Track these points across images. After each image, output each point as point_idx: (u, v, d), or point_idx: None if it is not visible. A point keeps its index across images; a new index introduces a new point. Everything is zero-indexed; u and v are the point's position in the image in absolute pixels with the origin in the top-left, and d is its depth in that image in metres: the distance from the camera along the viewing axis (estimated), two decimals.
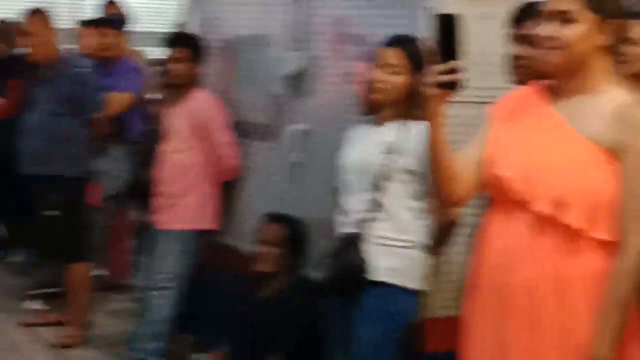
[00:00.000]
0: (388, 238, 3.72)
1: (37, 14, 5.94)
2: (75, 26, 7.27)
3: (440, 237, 3.74)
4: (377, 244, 3.71)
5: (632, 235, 2.51)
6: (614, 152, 2.54)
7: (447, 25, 2.55)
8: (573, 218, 2.53)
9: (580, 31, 2.56)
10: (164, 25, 8.64)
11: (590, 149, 2.56)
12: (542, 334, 2.56)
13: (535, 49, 2.69)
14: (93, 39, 6.68)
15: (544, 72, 2.68)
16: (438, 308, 3.85)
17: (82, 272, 5.94)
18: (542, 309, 2.57)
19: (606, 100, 2.60)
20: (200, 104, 5.21)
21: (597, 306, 2.52)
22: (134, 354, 5.21)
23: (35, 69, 5.95)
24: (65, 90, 5.77)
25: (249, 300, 4.57)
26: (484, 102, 2.96)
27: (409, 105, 3.70)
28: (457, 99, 2.56)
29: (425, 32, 3.67)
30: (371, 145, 3.77)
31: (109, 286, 6.89)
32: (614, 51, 2.67)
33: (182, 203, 5.18)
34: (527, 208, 2.58)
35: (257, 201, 5.02)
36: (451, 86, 2.49)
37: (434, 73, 2.50)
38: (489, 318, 2.67)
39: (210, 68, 5.39)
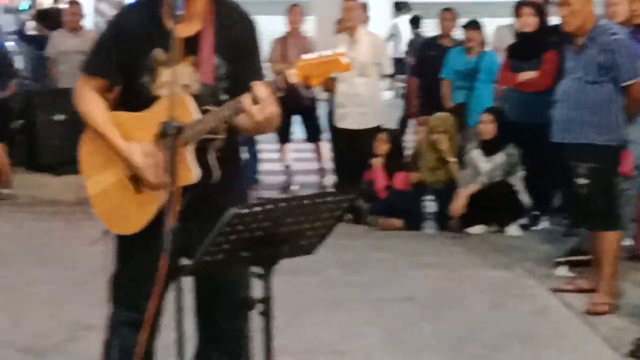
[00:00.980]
0: None
1: None
2: None
3: None
4: None
5: None
6: None
7: None
8: None
9: None
10: None
11: None
12: None
13: None
14: (623, 7, 6.63)
15: None
16: None
17: (613, 240, 5.93)
18: None
19: None
20: None
21: None
22: None
23: (569, 38, 6.05)
24: (598, 58, 5.80)
25: None
26: None
27: None
28: None
29: None
30: None
31: (636, 256, 6.85)
32: None
33: None
34: None
35: None
36: None
37: None
38: None
39: None
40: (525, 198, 8.15)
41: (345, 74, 8.74)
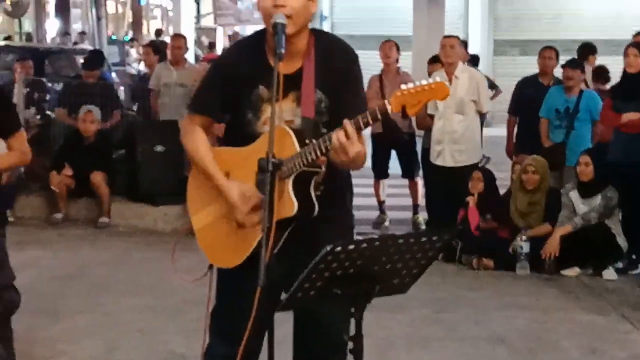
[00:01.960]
0: None
1: None
2: None
3: None
4: None
5: None
6: None
7: None
8: None
9: None
10: None
11: None
12: None
13: None
14: None
15: None
16: None
17: None
18: None
19: None
20: None
21: None
22: None
23: None
24: None
25: None
26: None
27: None
28: None
29: None
30: None
31: None
32: None
33: None
34: None
35: None
36: None
37: None
38: None
39: None
40: (622, 241, 8.00)
41: (442, 111, 8.82)
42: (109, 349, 5.81)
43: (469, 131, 8.92)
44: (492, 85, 9.94)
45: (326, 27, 23.97)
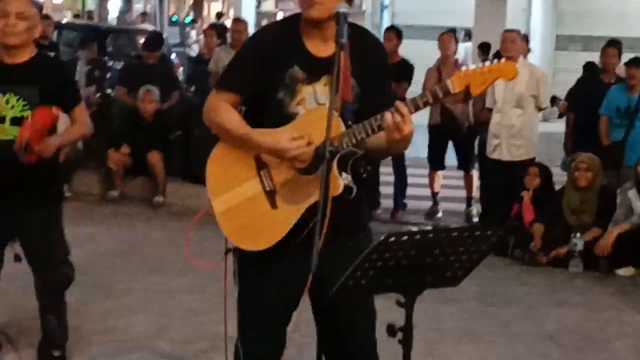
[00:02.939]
0: None
1: None
2: None
3: None
4: None
5: None
6: None
7: None
8: None
9: None
10: None
11: None
12: None
13: None
14: None
15: None
16: None
17: None
18: None
19: None
20: None
21: None
22: None
23: None
24: None
25: None
26: None
27: None
28: None
29: None
30: None
31: None
32: None
33: None
34: None
35: None
36: None
37: None
38: None
39: None
40: None
41: (501, 105, 8.76)
42: (159, 327, 5.86)
43: (527, 126, 8.86)
44: (553, 101, 9.74)
45: (386, 16, 23.87)
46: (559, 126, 10.98)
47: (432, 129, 9.73)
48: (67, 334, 5.11)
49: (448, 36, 9.91)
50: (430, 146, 9.90)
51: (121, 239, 8.26)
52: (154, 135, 10.03)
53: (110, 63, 15.37)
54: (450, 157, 10.18)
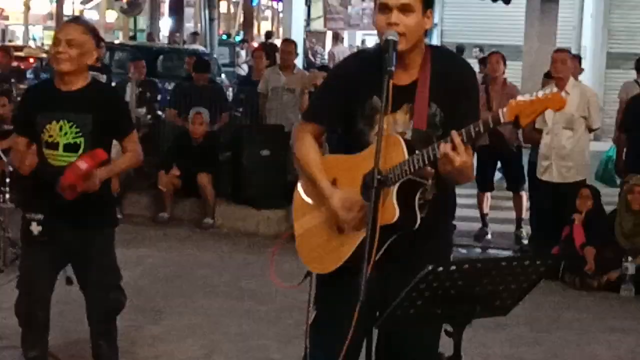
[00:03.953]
0: None
1: None
2: None
3: None
4: None
5: None
6: None
7: None
8: None
9: None
10: None
11: None
12: None
13: None
14: None
15: None
16: None
17: None
18: None
19: None
20: None
21: None
22: None
23: None
24: None
25: None
26: None
27: None
28: None
29: None
30: None
31: None
32: None
33: None
34: None
35: None
36: None
37: None
38: None
39: None
40: None
41: (551, 126, 8.70)
42: (208, 352, 5.89)
43: (578, 147, 8.77)
44: None
45: (435, 35, 23.83)
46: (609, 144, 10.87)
47: (481, 149, 9.69)
48: (118, 358, 5.16)
49: (496, 58, 9.87)
50: (478, 167, 9.85)
51: (171, 262, 8.32)
52: (204, 157, 10.08)
53: (161, 84, 15.48)
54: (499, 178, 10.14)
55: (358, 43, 29.54)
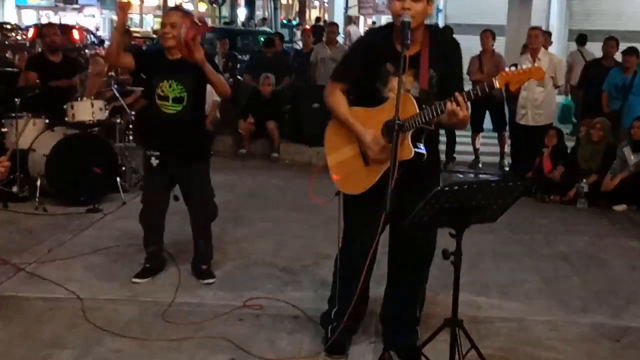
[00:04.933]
0: None
1: None
2: None
3: None
4: None
5: None
6: None
7: None
8: None
9: None
10: None
11: None
12: None
13: None
14: None
15: None
16: None
17: None
18: None
19: None
20: None
21: None
22: None
23: None
24: None
25: None
26: None
27: None
28: None
29: None
30: None
31: None
32: None
33: None
34: None
35: None
36: None
37: None
38: None
39: None
40: None
41: (527, 84, 8.48)
42: (277, 248, 5.92)
43: (547, 99, 8.63)
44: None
45: (441, 17, 23.39)
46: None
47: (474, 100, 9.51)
48: (212, 253, 5.21)
49: (487, 34, 9.65)
50: (472, 114, 9.66)
51: (249, 184, 8.34)
52: (271, 109, 10.04)
53: (240, 56, 15.40)
54: (487, 122, 9.99)
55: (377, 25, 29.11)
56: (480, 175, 9.57)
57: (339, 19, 19.58)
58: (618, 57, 9.34)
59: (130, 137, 7.93)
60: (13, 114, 7.07)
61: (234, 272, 5.27)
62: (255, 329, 4.28)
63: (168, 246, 5.38)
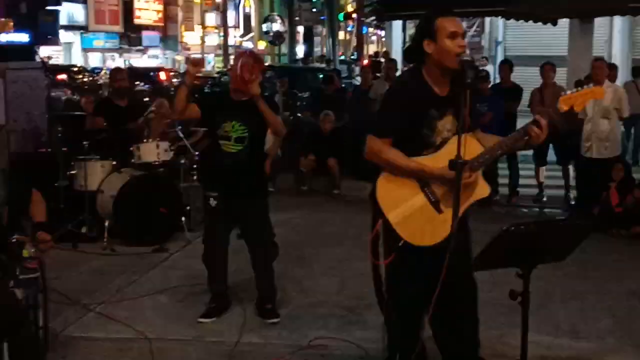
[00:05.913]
0: None
1: None
2: None
3: None
4: None
5: None
6: None
7: None
8: None
9: None
10: None
11: None
12: None
13: None
14: None
15: None
16: None
17: None
18: None
19: None
20: None
21: None
22: None
23: None
24: None
25: None
26: None
27: None
28: None
29: None
30: None
31: None
32: None
33: None
34: None
35: None
36: None
37: None
38: None
39: None
40: None
41: (591, 116, 8.39)
42: (340, 286, 5.90)
43: (612, 132, 8.46)
44: None
45: (500, 49, 23.22)
46: None
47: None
48: (275, 293, 5.23)
49: (548, 67, 9.55)
50: (536, 147, 9.54)
51: (310, 221, 8.36)
52: (332, 146, 10.10)
53: (299, 94, 15.57)
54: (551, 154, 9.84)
55: None
56: (545, 210, 9.40)
57: (397, 52, 19.63)
58: None
59: (194, 177, 8.07)
60: (82, 157, 7.28)
61: (298, 311, 5.27)
62: None
63: (233, 285, 5.42)
